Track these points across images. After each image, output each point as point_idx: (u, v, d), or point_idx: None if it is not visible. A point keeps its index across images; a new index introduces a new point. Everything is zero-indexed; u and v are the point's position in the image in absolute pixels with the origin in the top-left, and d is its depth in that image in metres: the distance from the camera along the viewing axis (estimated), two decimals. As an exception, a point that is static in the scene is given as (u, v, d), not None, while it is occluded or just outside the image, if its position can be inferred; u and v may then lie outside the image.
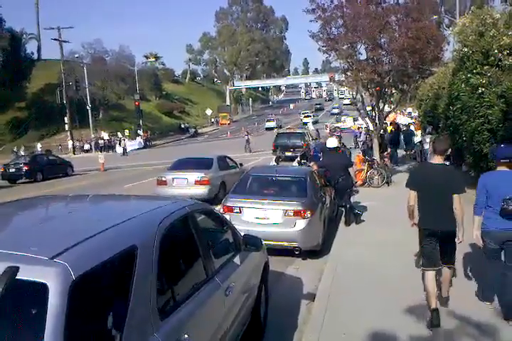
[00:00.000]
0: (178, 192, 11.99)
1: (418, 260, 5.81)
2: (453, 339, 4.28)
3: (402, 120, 32.22)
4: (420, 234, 4.80)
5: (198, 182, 12.34)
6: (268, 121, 58.06)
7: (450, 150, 5.16)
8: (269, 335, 4.66)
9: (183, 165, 13.36)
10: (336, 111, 69.99)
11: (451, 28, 20.38)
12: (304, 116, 59.23)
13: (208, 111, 68.79)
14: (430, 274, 4.71)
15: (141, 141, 46.87)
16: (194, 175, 12.43)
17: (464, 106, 10.82)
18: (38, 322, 1.81)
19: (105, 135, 47.47)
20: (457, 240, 4.58)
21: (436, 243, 4.70)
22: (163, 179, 12.75)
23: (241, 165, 15.43)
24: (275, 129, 48.65)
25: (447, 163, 7.53)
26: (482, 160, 10.18)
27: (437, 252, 4.72)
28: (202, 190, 12.19)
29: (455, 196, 4.56)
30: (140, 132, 48.89)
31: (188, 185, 12.36)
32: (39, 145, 41.44)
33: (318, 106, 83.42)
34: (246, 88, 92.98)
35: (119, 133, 48.54)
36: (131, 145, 44.38)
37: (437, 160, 4.82)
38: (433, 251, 4.71)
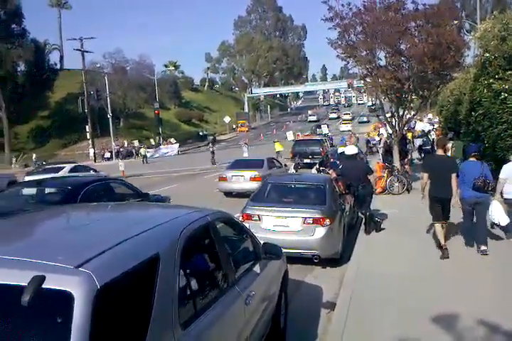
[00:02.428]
0: (236, 186, 15.17)
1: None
2: None
3: (422, 126, 31.75)
4: (430, 200, 7.11)
5: (252, 179, 14.85)
6: (310, 115, 78.08)
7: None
8: (289, 344, 4.63)
9: (240, 164, 16.44)
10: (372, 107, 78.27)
11: (472, 33, 20.13)
12: (344, 113, 74.87)
13: (226, 119, 69.08)
14: (438, 226, 7.14)
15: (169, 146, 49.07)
16: (249, 173, 15.08)
17: (486, 112, 10.65)
18: (64, 331, 1.84)
19: (135, 142, 48.64)
20: (453, 202, 6.93)
21: (440, 205, 7.03)
22: (224, 176, 15.61)
23: (285, 165, 18.45)
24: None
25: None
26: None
27: (441, 211, 7.07)
28: (255, 185, 13.75)
29: (453, 175, 6.84)
30: (172, 140, 51.20)
31: (244, 181, 15.00)
32: (34, 156, 40.63)
33: (335, 107, 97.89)
34: (264, 95, 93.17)
35: (151, 140, 50.52)
36: (172, 150, 47.34)
37: (440, 152, 7.43)
38: (439, 210, 7.07)
